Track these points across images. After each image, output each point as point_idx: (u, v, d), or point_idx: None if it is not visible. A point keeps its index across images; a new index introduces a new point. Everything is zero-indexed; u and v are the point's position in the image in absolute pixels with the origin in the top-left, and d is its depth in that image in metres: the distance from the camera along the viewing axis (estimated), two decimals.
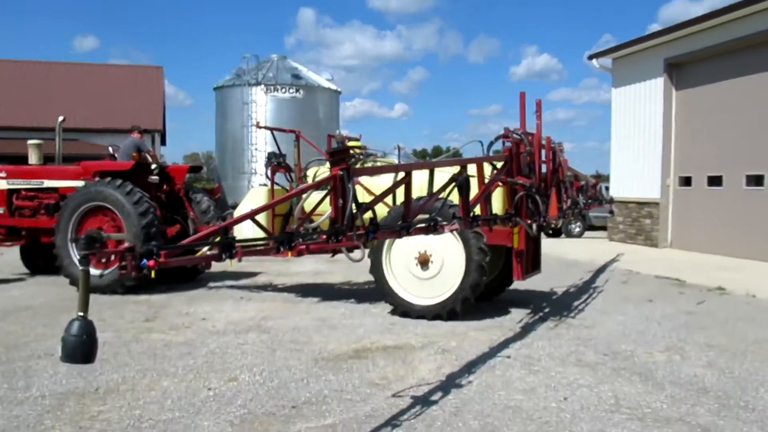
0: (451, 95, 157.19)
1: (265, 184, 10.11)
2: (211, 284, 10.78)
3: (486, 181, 6.55)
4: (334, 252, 9.04)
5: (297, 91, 34.29)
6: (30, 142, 11.62)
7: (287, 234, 4.02)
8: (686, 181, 16.85)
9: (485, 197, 6.38)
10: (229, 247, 3.49)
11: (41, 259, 11.78)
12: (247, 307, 8.73)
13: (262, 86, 32.26)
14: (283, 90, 33.55)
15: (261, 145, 29.86)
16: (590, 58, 19.50)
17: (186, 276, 10.80)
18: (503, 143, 7.12)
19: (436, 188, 5.78)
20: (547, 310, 8.52)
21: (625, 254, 15.33)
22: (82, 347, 3.01)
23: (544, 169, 8.01)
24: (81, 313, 3.04)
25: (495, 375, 5.54)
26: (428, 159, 9.45)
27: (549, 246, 17.80)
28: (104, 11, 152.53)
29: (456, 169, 5.78)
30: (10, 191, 11.15)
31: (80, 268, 3.03)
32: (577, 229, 22.46)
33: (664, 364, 5.86)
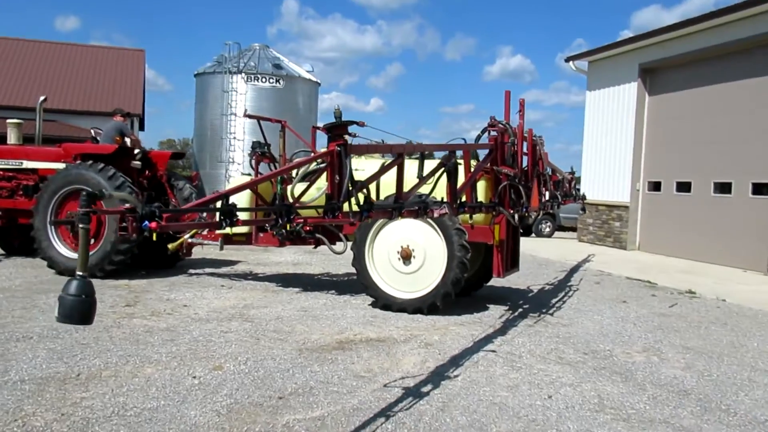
0: (426, 92, 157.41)
1: (248, 174, 10.07)
2: (191, 271, 10.73)
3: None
4: (317, 243, 9.06)
5: (277, 81, 34.08)
6: (9, 121, 11.42)
7: (286, 205, 4.01)
8: (656, 186, 17.13)
9: (471, 185, 6.47)
10: (230, 214, 3.48)
11: (17, 240, 11.62)
12: (229, 295, 8.72)
13: (243, 75, 32.01)
14: (264, 79, 33.33)
15: (240, 134, 29.72)
16: (567, 60, 19.73)
17: (166, 262, 10.74)
18: (489, 133, 7.21)
19: (425, 175, 5.82)
20: (524, 307, 8.65)
21: (596, 255, 15.58)
22: (80, 307, 2.90)
23: (525, 161, 8.15)
24: (80, 273, 2.95)
25: (479, 370, 5.63)
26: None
27: (521, 245, 18.00)
28: None
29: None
30: None
31: (80, 225, 2.91)
32: (547, 229, 22.73)
33: (643, 365, 6.00)
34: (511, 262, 8.65)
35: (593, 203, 18.70)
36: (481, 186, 7.68)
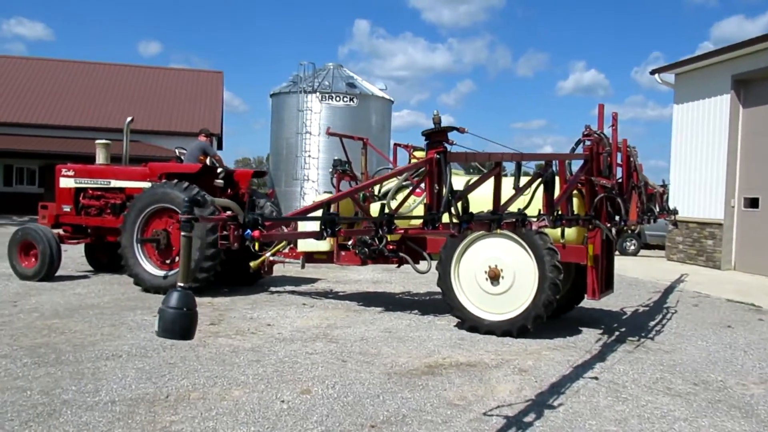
0: (497, 109, 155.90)
1: (329, 192, 9.98)
2: (273, 289, 10.69)
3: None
4: (401, 262, 8.84)
5: (351, 99, 34.38)
6: (98, 141, 11.75)
7: (388, 215, 3.80)
8: (752, 203, 16.13)
9: (567, 198, 6.12)
10: (332, 223, 3.30)
11: (105, 257, 11.91)
12: (311, 314, 8.58)
13: (318, 94, 32.46)
14: (338, 98, 33.70)
15: (314, 152, 30.08)
16: (653, 72, 18.92)
17: (248, 280, 10.74)
18: (584, 143, 6.84)
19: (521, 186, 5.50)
20: (620, 331, 8.14)
21: (689, 275, 14.74)
22: (181, 321, 2.79)
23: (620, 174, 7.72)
24: (182, 284, 2.82)
25: (581, 401, 5.24)
26: (473, 171, 9.13)
27: None
28: (167, 17, 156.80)
29: None
30: (78, 190, 11.28)
31: (182, 234, 2.80)
32: (632, 247, 21.78)
33: (764, 399, 5.46)
34: (606, 283, 8.18)
35: (683, 220, 17.78)
36: (574, 200, 7.31)
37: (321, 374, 5.72)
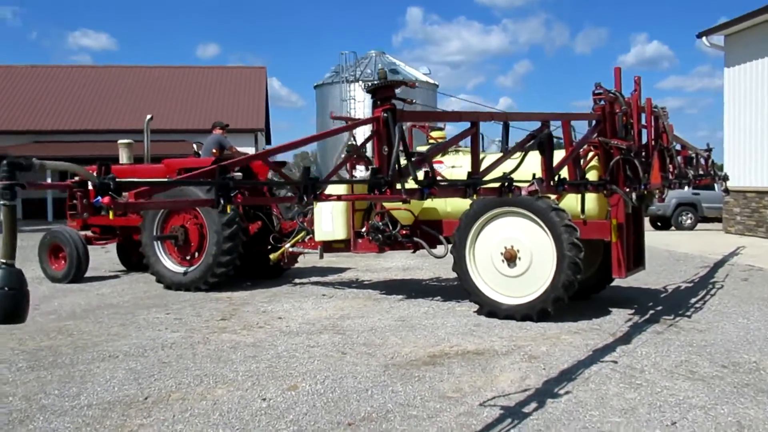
0: (557, 88, 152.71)
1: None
2: (297, 280, 10.49)
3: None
4: (416, 248, 8.48)
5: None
6: (120, 141, 11.78)
7: (311, 179, 3.44)
8: None
9: (574, 160, 5.64)
10: (225, 189, 3.00)
11: (136, 257, 11.94)
12: (327, 305, 8.32)
13: (360, 83, 32.24)
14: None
15: (360, 141, 29.86)
16: (699, 35, 17.84)
17: (271, 273, 10.58)
18: (595, 102, 6.32)
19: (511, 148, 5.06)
20: (653, 311, 7.58)
21: (745, 248, 13.84)
22: (4, 302, 2.44)
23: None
24: (3, 260, 2.49)
25: (588, 389, 4.80)
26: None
27: (657, 239, 16.48)
28: (225, 19, 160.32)
29: None
30: None
31: (1, 202, 2.44)
32: (689, 221, 20.73)
33: None
34: (635, 260, 7.63)
35: (740, 190, 16.79)
36: (593, 169, 6.82)
37: (314, 368, 5.44)
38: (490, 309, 7.27)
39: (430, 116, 4.92)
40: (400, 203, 8.04)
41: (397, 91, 4.04)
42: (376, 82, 3.79)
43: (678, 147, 9.19)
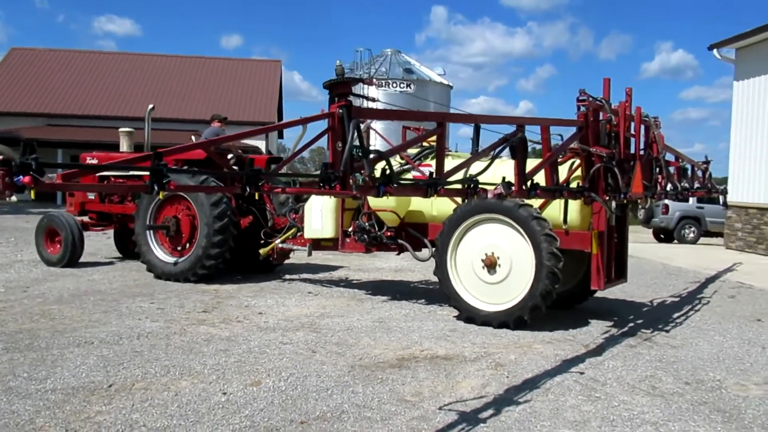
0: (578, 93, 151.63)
1: None
2: (287, 276, 10.57)
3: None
4: (400, 250, 8.53)
5: (408, 86, 34.03)
6: (121, 130, 11.91)
7: (254, 170, 3.50)
8: None
9: (551, 165, 5.67)
10: (159, 174, 3.03)
11: (132, 244, 12.06)
12: (311, 302, 8.40)
13: (375, 81, 32.24)
14: (394, 84, 33.38)
15: (372, 139, 29.91)
16: (711, 48, 17.72)
17: (264, 268, 10.66)
18: (578, 108, 6.34)
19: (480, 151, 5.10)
20: (632, 324, 7.59)
21: (742, 264, 13.78)
22: None
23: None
24: None
25: (547, 399, 4.84)
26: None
27: (656, 251, 16.44)
28: (251, 11, 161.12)
29: None
30: (101, 177, 11.43)
31: None
32: (691, 235, 20.63)
33: (757, 402, 4.90)
34: (617, 271, 7.65)
35: (742, 206, 16.72)
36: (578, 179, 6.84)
37: (282, 365, 5.51)
38: (469, 315, 7.31)
39: (391, 114, 4.96)
40: (386, 205, 8.10)
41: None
42: (332, 79, 3.85)
43: (671, 158, 9.19)
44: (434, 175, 4.49)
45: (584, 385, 5.17)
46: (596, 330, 7.21)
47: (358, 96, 3.87)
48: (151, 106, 11.68)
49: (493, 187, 4.83)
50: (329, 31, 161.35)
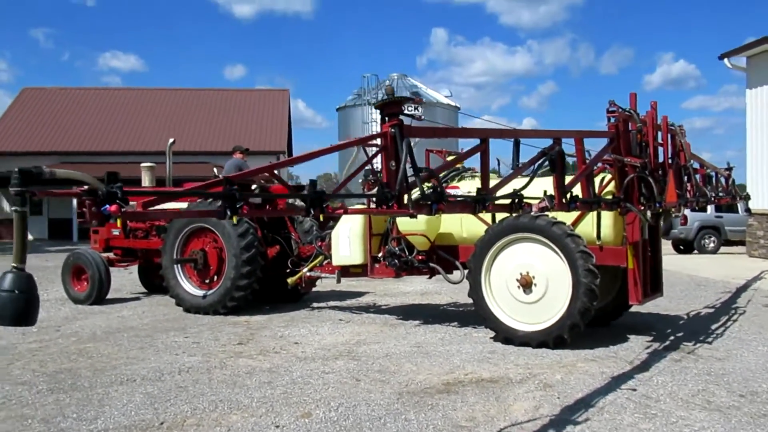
0: (581, 108, 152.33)
1: (362, 203, 9.77)
2: (315, 305, 10.54)
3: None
4: (432, 273, 8.50)
5: (416, 109, 34.17)
6: (143, 165, 11.99)
7: (317, 192, 3.51)
8: None
9: (587, 178, 5.65)
10: (232, 199, 3.14)
11: (158, 279, 12.07)
12: (344, 330, 8.35)
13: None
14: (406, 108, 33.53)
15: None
16: (721, 57, 17.77)
17: (290, 297, 10.64)
18: (608, 119, 6.33)
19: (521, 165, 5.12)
20: (672, 337, 7.51)
21: None
22: (12, 305, 2.51)
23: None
24: (14, 264, 2.57)
25: (602, 419, 4.77)
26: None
27: (679, 263, 16.31)
28: (253, 42, 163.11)
29: None
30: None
31: (13, 208, 2.54)
32: (711, 245, 20.48)
33: None
34: (652, 286, 7.59)
35: (763, 213, 16.62)
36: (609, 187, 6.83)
37: (329, 395, 5.47)
38: (506, 335, 7.25)
39: (438, 132, 4.98)
40: (416, 229, 8.08)
41: (416, 111, 4.15)
42: (384, 98, 3.88)
43: (696, 165, 9.17)
44: (477, 192, 4.48)
45: (638, 403, 5.10)
46: (637, 345, 7.13)
47: (407, 116, 3.89)
48: (171, 141, 11.76)
49: (537, 201, 4.84)
50: (331, 58, 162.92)
